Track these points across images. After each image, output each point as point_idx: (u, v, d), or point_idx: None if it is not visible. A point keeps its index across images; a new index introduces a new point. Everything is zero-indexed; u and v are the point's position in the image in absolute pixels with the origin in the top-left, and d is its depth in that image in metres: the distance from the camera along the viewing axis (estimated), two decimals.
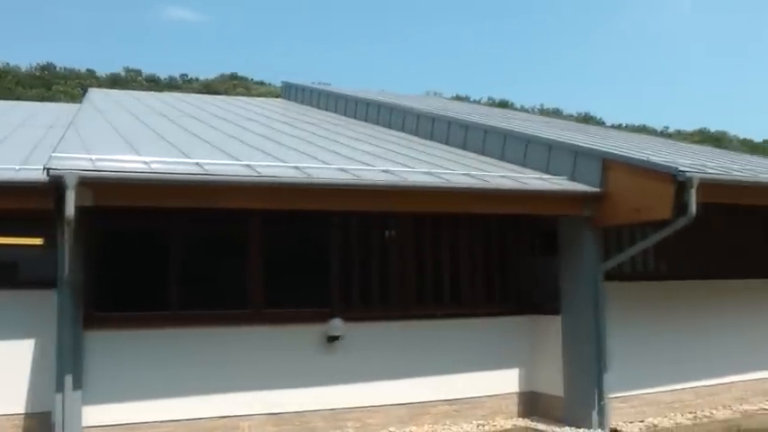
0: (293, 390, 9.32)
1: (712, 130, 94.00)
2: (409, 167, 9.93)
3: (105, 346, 8.52)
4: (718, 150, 19.57)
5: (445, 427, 9.97)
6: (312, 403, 9.39)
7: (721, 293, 12.03)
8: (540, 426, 10.17)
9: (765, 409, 11.75)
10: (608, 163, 9.91)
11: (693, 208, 8.82)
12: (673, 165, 9.35)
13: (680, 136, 77.59)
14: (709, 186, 9.05)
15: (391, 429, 9.69)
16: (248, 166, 8.68)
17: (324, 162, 9.71)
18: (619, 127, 70.62)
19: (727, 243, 12.31)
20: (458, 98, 64.50)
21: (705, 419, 10.88)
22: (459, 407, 10.20)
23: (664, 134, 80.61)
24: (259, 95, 42.00)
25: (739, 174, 10.44)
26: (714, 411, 11.31)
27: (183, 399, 8.79)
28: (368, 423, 9.62)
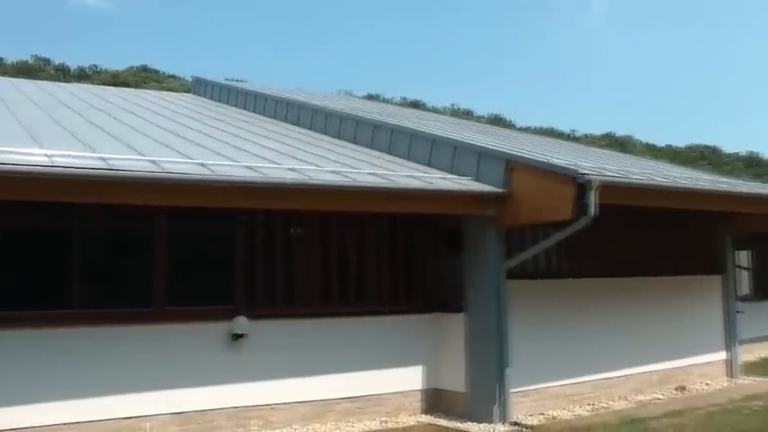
0: (197, 389, 9.21)
1: (619, 134, 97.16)
2: (316, 166, 9.98)
3: (1, 346, 8.26)
4: (619, 154, 20.27)
5: (349, 424, 10.03)
6: (216, 402, 9.30)
7: (619, 291, 12.56)
8: (443, 422, 10.33)
9: (658, 399, 12.32)
10: (511, 164, 10.18)
11: (593, 209, 9.16)
12: (574, 167, 9.69)
13: (588, 139, 79.65)
14: (608, 188, 9.41)
15: (295, 427, 9.70)
16: (153, 161, 8.57)
17: (230, 159, 9.66)
18: (528, 129, 72.07)
19: (625, 243, 12.83)
20: (370, 97, 64.65)
21: (603, 410, 11.30)
22: (363, 404, 10.29)
23: (571, 137, 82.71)
24: (171, 89, 41.15)
25: (637, 177, 10.87)
26: (611, 402, 11.80)
27: (83, 400, 8.56)
28: (271, 421, 9.61)
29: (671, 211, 11.56)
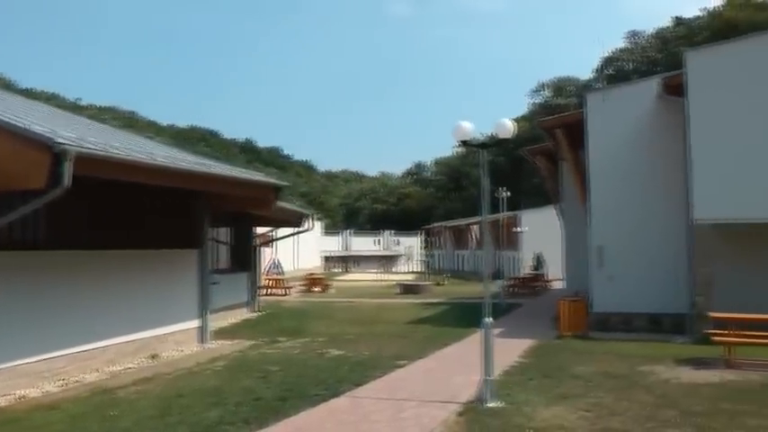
0: None
1: (124, 108, 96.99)
2: None
3: None
4: (113, 129, 20.16)
5: None
6: None
7: (98, 263, 12.72)
8: None
9: (131, 368, 12.79)
10: None
11: (68, 179, 9.05)
12: (51, 135, 9.46)
13: (91, 110, 77.91)
14: (86, 160, 9.42)
15: None
16: None
17: None
18: (29, 92, 67.81)
19: (107, 216, 13.00)
20: None
21: (75, 384, 11.33)
22: None
23: (75, 106, 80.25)
24: None
25: (116, 151, 10.99)
26: (85, 376, 11.90)
27: None
28: None
29: (155, 187, 11.99)
